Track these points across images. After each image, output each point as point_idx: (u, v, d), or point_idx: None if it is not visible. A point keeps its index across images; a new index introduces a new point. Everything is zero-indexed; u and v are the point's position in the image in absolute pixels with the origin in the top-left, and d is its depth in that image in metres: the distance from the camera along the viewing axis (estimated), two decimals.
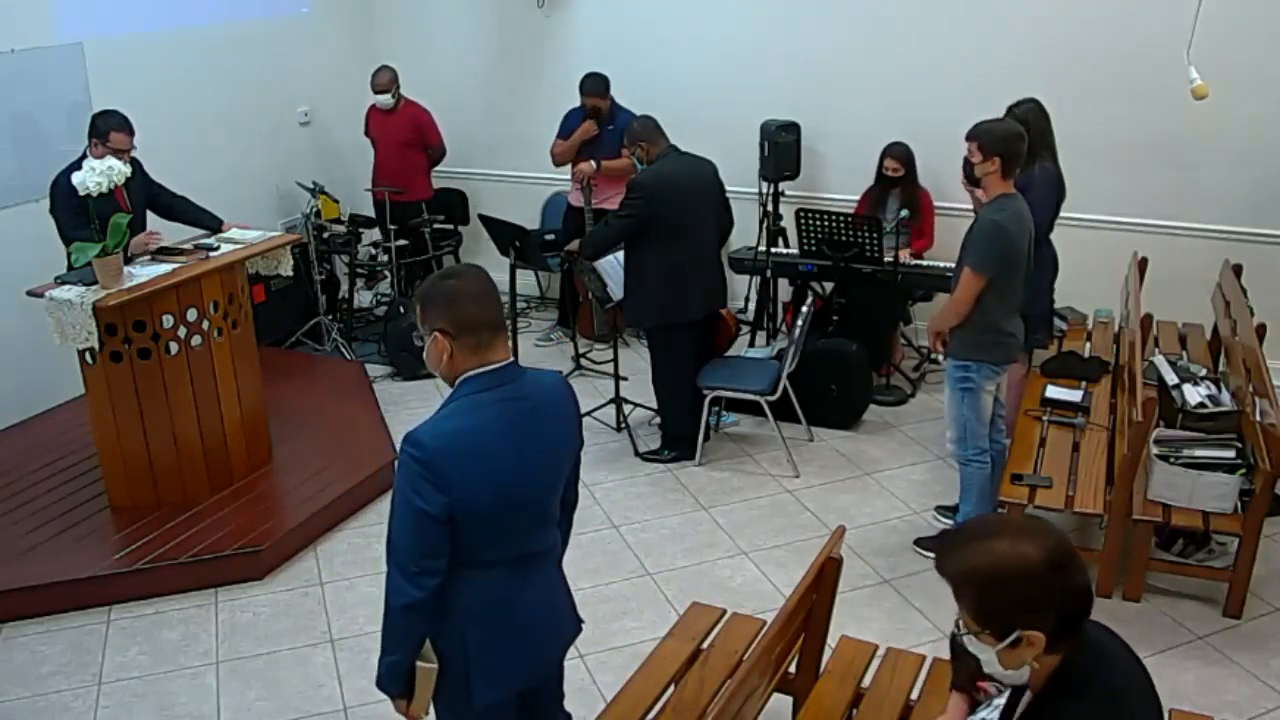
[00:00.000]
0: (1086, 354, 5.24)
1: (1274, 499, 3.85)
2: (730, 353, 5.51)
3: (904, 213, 5.78)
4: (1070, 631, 1.77)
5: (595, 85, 6.17)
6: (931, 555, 4.20)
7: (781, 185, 6.26)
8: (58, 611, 4.12)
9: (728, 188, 5.15)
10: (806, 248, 5.77)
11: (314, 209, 6.58)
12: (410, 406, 5.86)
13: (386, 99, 6.57)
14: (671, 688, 3.04)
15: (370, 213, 6.86)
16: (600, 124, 6.24)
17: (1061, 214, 4.81)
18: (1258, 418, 3.94)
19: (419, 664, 2.36)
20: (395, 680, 2.37)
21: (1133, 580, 4.05)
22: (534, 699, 2.60)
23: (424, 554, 2.24)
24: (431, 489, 2.20)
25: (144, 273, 4.47)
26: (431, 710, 2.46)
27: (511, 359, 2.34)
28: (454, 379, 2.33)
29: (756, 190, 6.31)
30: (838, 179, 6.35)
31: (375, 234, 6.86)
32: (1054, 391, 4.82)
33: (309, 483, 4.83)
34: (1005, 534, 1.76)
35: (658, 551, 4.51)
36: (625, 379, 5.67)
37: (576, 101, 6.27)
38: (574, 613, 2.63)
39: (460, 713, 2.44)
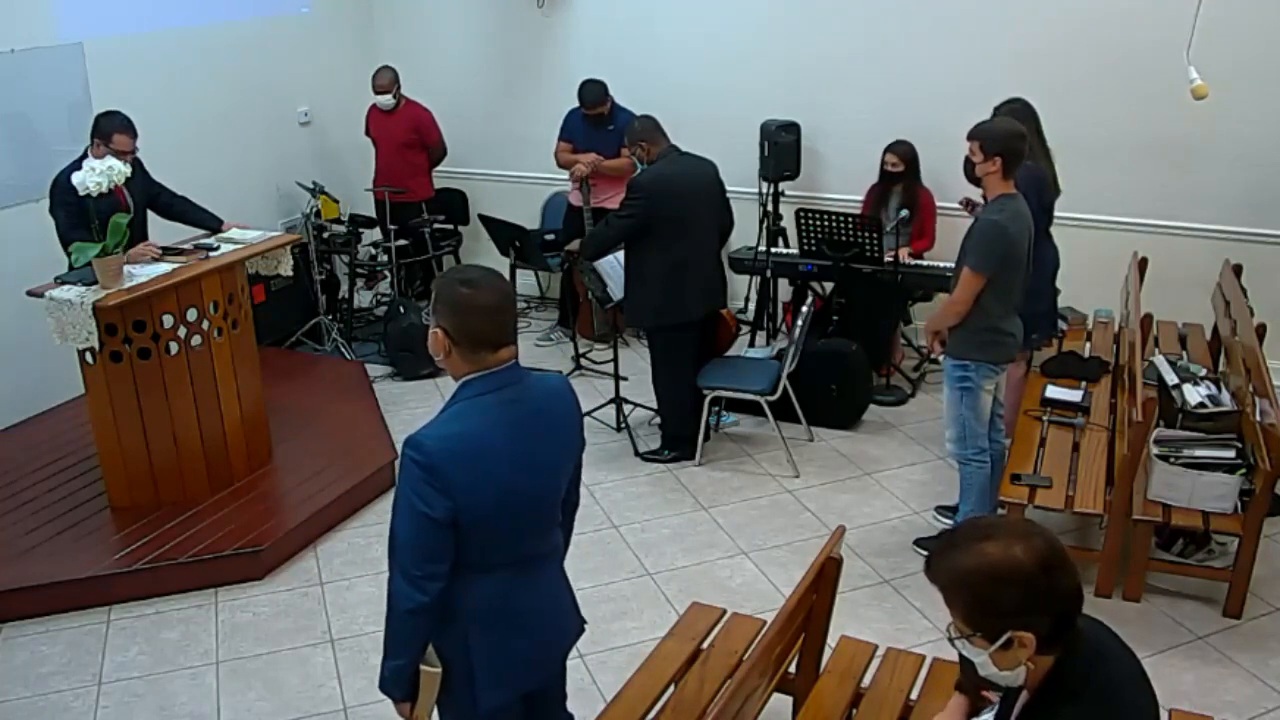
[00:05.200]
0: (1086, 354, 5.25)
1: (1274, 499, 3.85)
2: (730, 353, 5.51)
3: (904, 213, 5.78)
4: (1063, 632, 1.77)
5: (594, 94, 6.15)
6: None
7: (781, 185, 6.26)
8: (58, 611, 4.12)
9: (728, 188, 5.15)
10: (806, 248, 5.77)
11: (314, 209, 6.58)
12: (410, 406, 5.86)
13: (387, 99, 6.57)
14: (671, 688, 3.04)
15: (370, 213, 6.86)
16: (600, 127, 6.25)
17: (1061, 214, 4.82)
18: (1258, 418, 3.94)
19: (423, 668, 2.35)
20: (399, 684, 2.36)
21: (1133, 580, 4.04)
22: (538, 700, 2.59)
23: (427, 558, 2.24)
24: (434, 493, 2.19)
25: (144, 273, 4.47)
26: (435, 713, 2.46)
27: (514, 360, 2.33)
28: (454, 377, 2.32)
29: (756, 190, 6.31)
30: (838, 179, 6.35)
31: (375, 234, 6.86)
32: (1054, 391, 4.82)
33: (309, 483, 4.83)
34: (993, 537, 1.76)
35: (658, 551, 4.50)
36: (625, 379, 5.67)
37: (576, 102, 6.27)
38: (577, 613, 2.62)
39: (465, 716, 2.43)
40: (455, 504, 2.21)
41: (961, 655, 1.90)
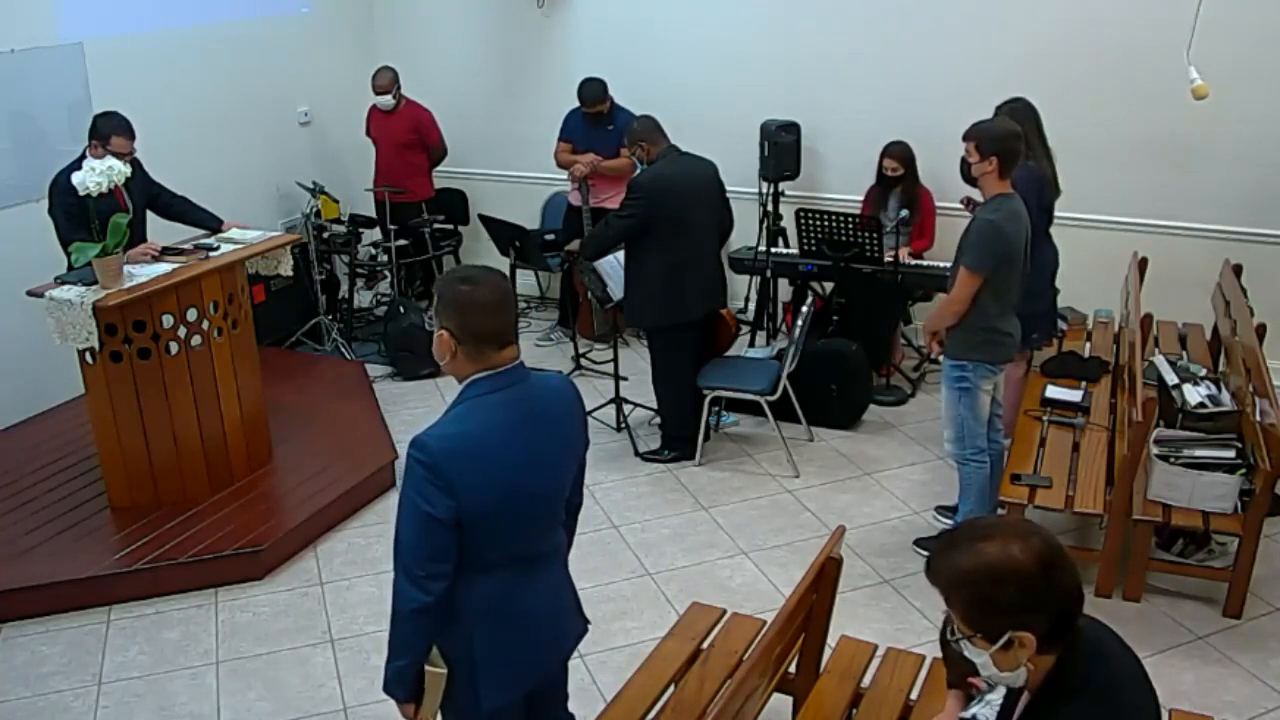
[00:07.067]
0: (1086, 354, 5.25)
1: (1274, 499, 3.85)
2: (730, 353, 5.51)
3: (904, 213, 5.78)
4: (1063, 631, 1.77)
5: (594, 92, 6.15)
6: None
7: (781, 185, 6.26)
8: (58, 611, 4.12)
9: (728, 188, 5.15)
10: (806, 248, 5.77)
11: (314, 209, 6.58)
12: (410, 406, 5.86)
13: (387, 100, 6.57)
14: (671, 688, 3.04)
15: (370, 213, 6.86)
16: (600, 126, 6.25)
17: (1061, 214, 4.81)
18: (1258, 418, 3.94)
19: (428, 669, 2.35)
20: (403, 685, 2.36)
21: (1133, 580, 4.05)
22: (539, 700, 2.59)
23: (431, 558, 2.24)
24: (438, 493, 2.20)
25: (144, 273, 4.47)
26: (438, 714, 2.46)
27: (518, 360, 2.34)
28: (459, 378, 2.33)
29: (756, 190, 6.31)
30: (838, 179, 6.35)
31: (375, 234, 6.86)
32: (1054, 391, 4.82)
33: (309, 483, 4.83)
34: (993, 537, 1.76)
35: (658, 551, 4.51)
36: (625, 379, 5.67)
37: (576, 102, 6.27)
38: (580, 612, 2.63)
39: (468, 716, 2.43)
40: (458, 503, 2.21)
41: (946, 650, 1.90)
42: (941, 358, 4.19)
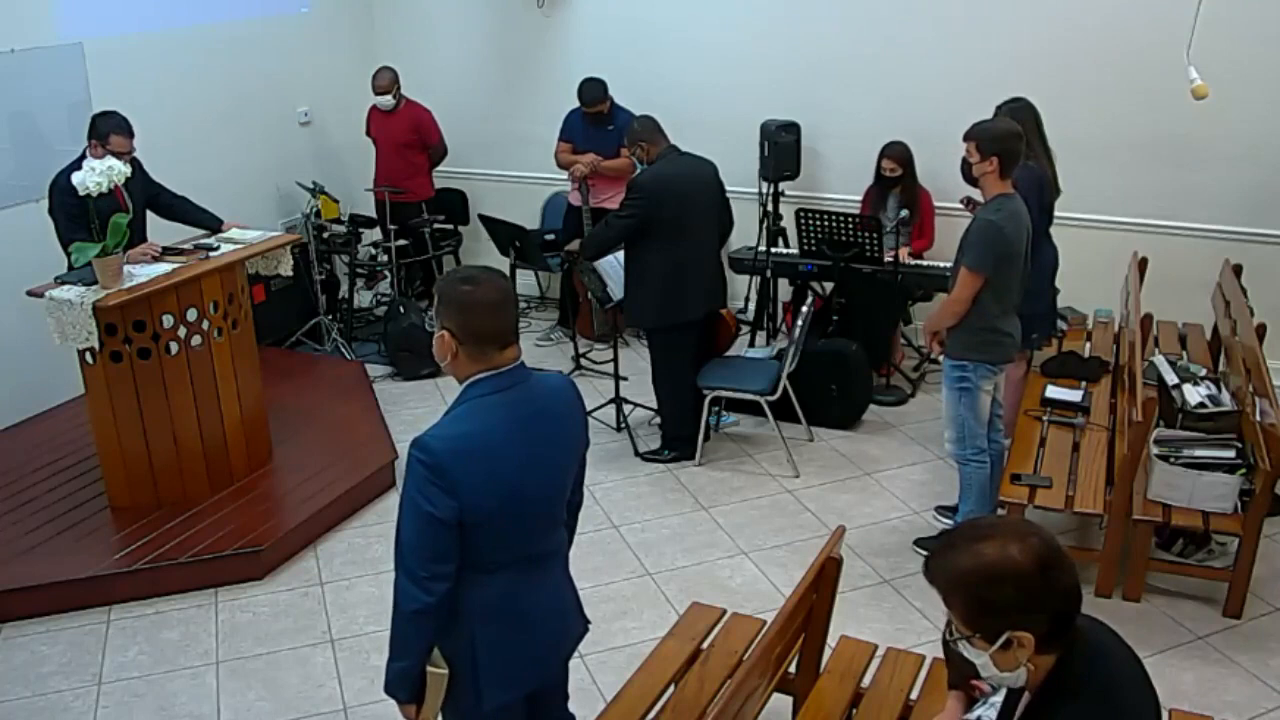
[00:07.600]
0: (1086, 354, 5.25)
1: (1274, 499, 3.85)
2: (730, 353, 5.51)
3: (904, 213, 5.78)
4: (1062, 631, 1.77)
5: (594, 92, 6.16)
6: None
7: (781, 185, 6.26)
8: (58, 611, 4.12)
9: (728, 188, 5.15)
10: (806, 248, 5.77)
11: (314, 209, 6.58)
12: (410, 406, 5.86)
13: (387, 100, 6.57)
14: (671, 688, 3.04)
15: (370, 213, 6.86)
16: (600, 126, 6.25)
17: (1061, 214, 4.81)
18: (1258, 418, 3.94)
19: (430, 669, 2.35)
20: (404, 686, 2.36)
21: (1133, 580, 4.05)
22: (540, 700, 2.60)
23: (433, 559, 2.24)
24: (440, 493, 2.20)
25: (144, 273, 4.47)
26: (439, 715, 2.45)
27: (519, 360, 2.33)
28: (459, 379, 2.33)
29: (756, 190, 6.31)
30: (838, 179, 6.35)
31: (375, 234, 6.86)
32: (1054, 391, 4.82)
33: (309, 483, 4.83)
34: (990, 538, 1.76)
35: (658, 551, 4.51)
36: (625, 379, 5.67)
37: (576, 102, 6.27)
38: (581, 612, 2.63)
39: (469, 716, 2.43)
40: (460, 504, 2.21)
41: (948, 651, 1.90)
42: (942, 358, 4.20)
